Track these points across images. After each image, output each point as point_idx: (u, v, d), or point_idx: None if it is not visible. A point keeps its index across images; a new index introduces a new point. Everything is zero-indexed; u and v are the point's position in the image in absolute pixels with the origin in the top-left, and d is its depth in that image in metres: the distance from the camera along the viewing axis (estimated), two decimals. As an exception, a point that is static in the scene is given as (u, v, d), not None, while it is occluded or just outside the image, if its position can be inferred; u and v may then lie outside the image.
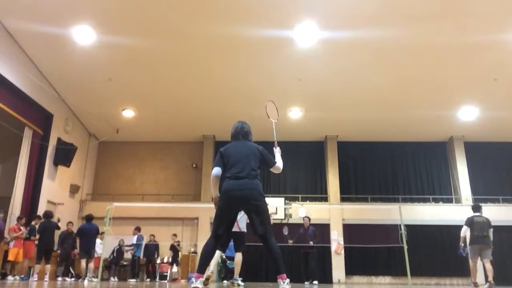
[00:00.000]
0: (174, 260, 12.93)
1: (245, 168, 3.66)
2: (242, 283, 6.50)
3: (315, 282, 10.32)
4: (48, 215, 9.96)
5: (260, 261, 13.67)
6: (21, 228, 9.89)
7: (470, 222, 8.27)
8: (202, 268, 3.48)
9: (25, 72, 10.97)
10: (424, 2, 8.87)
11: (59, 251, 11.14)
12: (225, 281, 11.70)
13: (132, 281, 12.13)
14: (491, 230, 8.11)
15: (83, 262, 9.82)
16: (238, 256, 6.36)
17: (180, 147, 16.17)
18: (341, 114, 13.51)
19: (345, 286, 10.13)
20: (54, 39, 10.13)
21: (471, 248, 8.27)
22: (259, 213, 3.56)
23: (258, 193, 3.60)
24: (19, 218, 10.15)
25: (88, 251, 9.88)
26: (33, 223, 10.36)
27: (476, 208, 8.53)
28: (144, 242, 12.89)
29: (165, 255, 13.48)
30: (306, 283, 10.30)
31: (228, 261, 11.37)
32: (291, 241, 10.54)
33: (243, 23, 9.54)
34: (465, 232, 8.36)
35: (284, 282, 3.34)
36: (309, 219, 11.00)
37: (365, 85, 11.95)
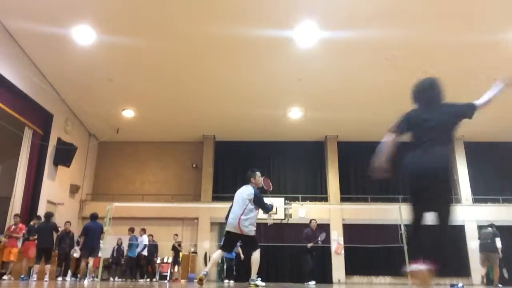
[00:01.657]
0: (175, 260, 12.92)
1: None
2: (263, 283, 5.97)
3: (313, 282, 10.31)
4: (47, 215, 9.97)
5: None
6: (13, 226, 9.86)
7: (479, 234, 10.00)
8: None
9: (25, 72, 10.97)
10: (424, 3, 8.87)
11: (57, 251, 11.13)
12: (226, 281, 11.69)
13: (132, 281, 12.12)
14: (497, 239, 9.19)
15: (84, 262, 9.81)
16: (254, 254, 5.75)
17: (180, 147, 16.16)
18: (341, 114, 13.49)
19: (345, 286, 10.13)
20: (54, 39, 10.12)
21: (480, 255, 9.53)
22: (440, 198, 2.93)
23: (446, 167, 2.89)
24: (15, 216, 10.14)
25: (92, 250, 9.89)
26: (31, 223, 10.36)
27: (488, 225, 9.92)
28: (138, 243, 12.75)
29: (165, 255, 13.47)
30: (307, 283, 10.28)
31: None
32: (310, 244, 10.30)
33: (243, 23, 9.54)
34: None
35: (418, 265, 2.89)
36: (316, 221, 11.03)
37: (365, 85, 11.94)
